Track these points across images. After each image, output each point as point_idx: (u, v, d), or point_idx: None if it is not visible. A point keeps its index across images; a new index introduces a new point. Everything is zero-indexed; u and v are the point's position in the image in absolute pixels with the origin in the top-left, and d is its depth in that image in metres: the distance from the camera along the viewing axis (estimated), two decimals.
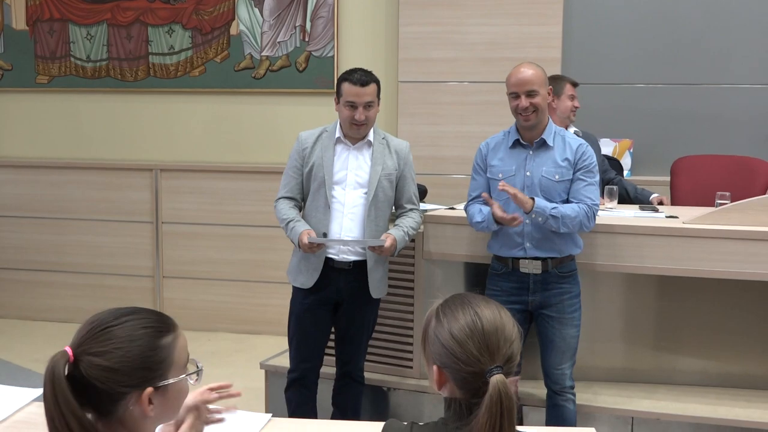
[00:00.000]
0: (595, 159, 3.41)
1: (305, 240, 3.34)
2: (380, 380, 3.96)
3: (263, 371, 4.17)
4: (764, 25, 5.18)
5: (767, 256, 3.49)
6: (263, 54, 5.83)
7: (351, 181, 3.47)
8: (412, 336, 3.95)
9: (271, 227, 5.69)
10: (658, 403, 3.69)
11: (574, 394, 3.47)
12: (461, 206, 4.03)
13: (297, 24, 5.76)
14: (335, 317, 3.57)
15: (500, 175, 3.39)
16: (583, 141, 3.45)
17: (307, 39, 5.76)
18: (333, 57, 5.71)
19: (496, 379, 1.50)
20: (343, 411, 3.63)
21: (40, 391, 2.26)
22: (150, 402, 1.48)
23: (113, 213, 5.96)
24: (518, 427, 1.57)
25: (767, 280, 3.57)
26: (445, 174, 5.42)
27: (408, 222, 3.54)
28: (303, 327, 3.56)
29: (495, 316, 1.58)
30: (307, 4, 5.73)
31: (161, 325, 1.53)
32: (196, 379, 1.61)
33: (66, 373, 1.43)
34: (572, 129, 4.39)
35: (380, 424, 1.75)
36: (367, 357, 3.75)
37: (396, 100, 5.54)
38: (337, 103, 3.48)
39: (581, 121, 4.56)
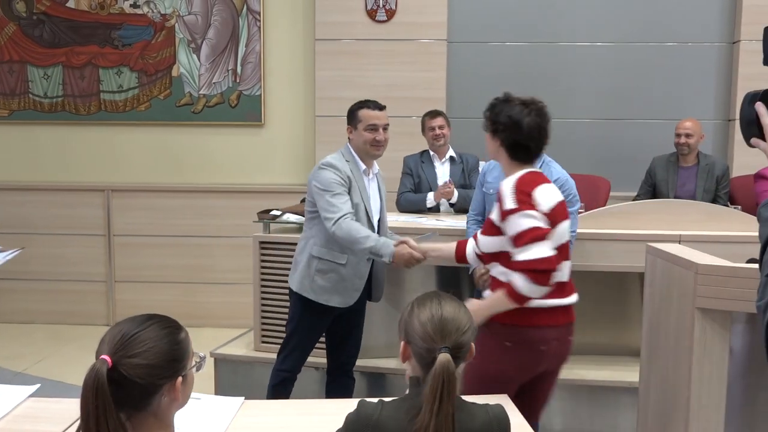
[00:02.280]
0: (574, 190, 3.29)
1: (411, 251, 2.94)
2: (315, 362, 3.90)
3: (212, 359, 4.06)
4: (599, 71, 5.58)
5: (614, 252, 3.62)
6: (201, 92, 5.86)
7: (373, 208, 3.32)
8: None
9: (208, 237, 5.81)
10: None
11: None
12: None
13: (229, 68, 5.82)
14: (337, 323, 3.40)
15: (492, 191, 3.30)
16: (562, 174, 3.29)
17: (238, 80, 5.83)
18: (260, 95, 5.81)
19: (443, 356, 1.54)
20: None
21: (34, 388, 2.27)
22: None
23: (70, 228, 5.84)
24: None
25: (616, 271, 3.70)
26: None
27: None
28: (313, 336, 3.38)
29: (454, 309, 1.65)
30: (238, 51, 5.80)
31: (174, 324, 1.54)
32: (200, 368, 1.60)
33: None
34: (450, 152, 4.61)
35: (348, 402, 1.79)
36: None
37: (314, 131, 5.60)
38: (353, 130, 3.24)
39: (466, 147, 4.76)
